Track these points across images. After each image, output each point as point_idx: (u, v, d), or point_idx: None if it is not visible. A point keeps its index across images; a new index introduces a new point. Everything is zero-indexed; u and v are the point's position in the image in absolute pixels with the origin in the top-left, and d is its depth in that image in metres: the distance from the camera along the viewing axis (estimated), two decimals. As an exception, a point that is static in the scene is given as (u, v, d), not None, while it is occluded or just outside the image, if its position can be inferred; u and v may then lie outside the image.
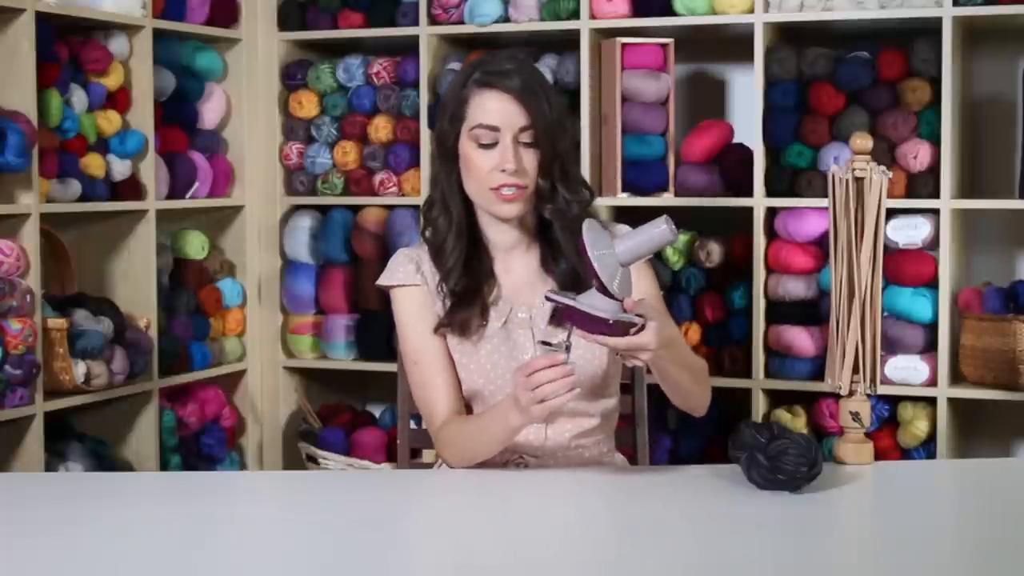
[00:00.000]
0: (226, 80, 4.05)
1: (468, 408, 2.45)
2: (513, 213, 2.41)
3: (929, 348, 3.57)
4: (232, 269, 4.10)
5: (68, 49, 3.48)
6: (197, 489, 2.34)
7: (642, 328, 2.13)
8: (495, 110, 2.37)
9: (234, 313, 4.06)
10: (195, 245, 3.92)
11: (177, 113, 3.86)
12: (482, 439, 2.33)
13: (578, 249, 2.16)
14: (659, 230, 2.12)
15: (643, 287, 2.38)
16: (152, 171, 3.69)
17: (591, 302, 2.11)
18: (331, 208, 4.09)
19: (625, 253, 2.12)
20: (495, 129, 2.37)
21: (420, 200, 3.90)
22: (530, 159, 2.39)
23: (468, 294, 2.43)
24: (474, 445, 2.35)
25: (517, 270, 2.47)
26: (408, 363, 2.46)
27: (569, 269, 2.43)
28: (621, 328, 2.11)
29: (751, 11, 3.63)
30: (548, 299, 2.16)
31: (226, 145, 4.08)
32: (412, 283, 2.46)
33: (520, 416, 2.21)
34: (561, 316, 2.15)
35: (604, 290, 2.10)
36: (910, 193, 3.57)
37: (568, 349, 2.16)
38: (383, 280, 2.49)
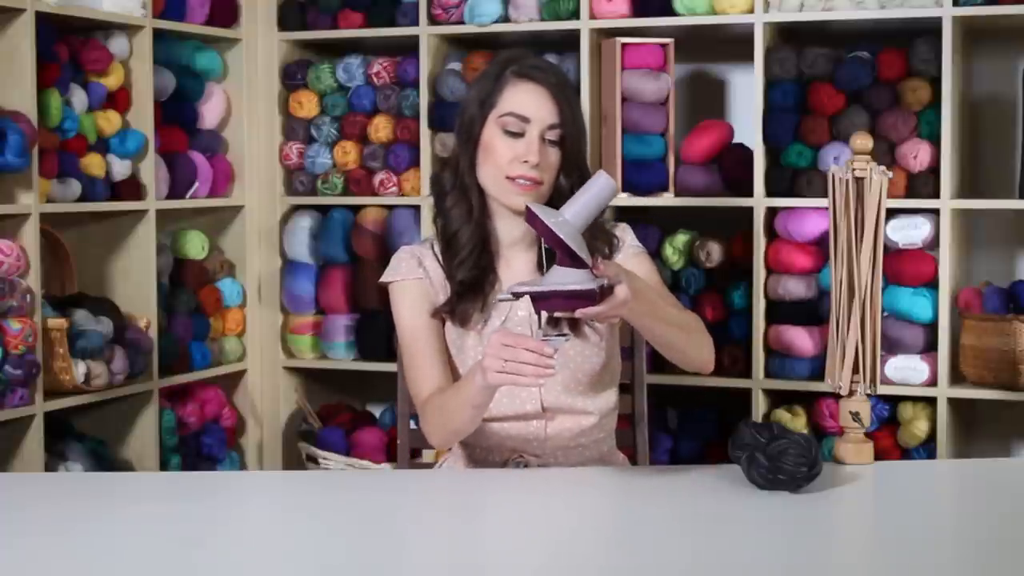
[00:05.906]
0: (226, 80, 4.05)
1: None
2: (524, 205, 2.40)
3: (929, 348, 3.57)
4: (232, 269, 4.09)
5: (68, 49, 3.48)
6: (197, 489, 2.34)
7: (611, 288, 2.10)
8: (529, 102, 2.40)
9: (234, 313, 4.06)
10: (195, 245, 3.92)
11: (177, 113, 3.86)
12: (454, 403, 2.31)
13: (534, 228, 2.13)
14: (600, 182, 2.12)
15: (644, 276, 2.37)
16: (152, 171, 3.69)
17: (562, 280, 2.08)
18: (331, 208, 4.08)
19: (576, 215, 2.11)
20: (525, 120, 2.39)
21: (420, 200, 3.90)
22: (552, 157, 2.40)
23: (474, 285, 2.43)
24: (449, 411, 2.32)
25: (517, 267, 2.47)
26: (402, 349, 2.46)
27: None
28: (602, 293, 2.08)
29: (751, 11, 3.63)
30: (514, 294, 2.11)
31: (226, 145, 4.08)
32: (414, 277, 2.46)
33: (480, 375, 2.19)
34: (537, 305, 2.11)
35: (570, 256, 2.07)
36: (910, 193, 3.57)
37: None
38: (385, 277, 2.50)
